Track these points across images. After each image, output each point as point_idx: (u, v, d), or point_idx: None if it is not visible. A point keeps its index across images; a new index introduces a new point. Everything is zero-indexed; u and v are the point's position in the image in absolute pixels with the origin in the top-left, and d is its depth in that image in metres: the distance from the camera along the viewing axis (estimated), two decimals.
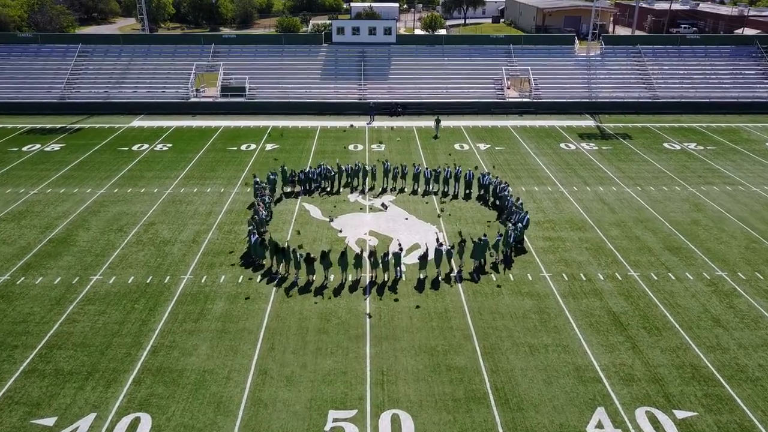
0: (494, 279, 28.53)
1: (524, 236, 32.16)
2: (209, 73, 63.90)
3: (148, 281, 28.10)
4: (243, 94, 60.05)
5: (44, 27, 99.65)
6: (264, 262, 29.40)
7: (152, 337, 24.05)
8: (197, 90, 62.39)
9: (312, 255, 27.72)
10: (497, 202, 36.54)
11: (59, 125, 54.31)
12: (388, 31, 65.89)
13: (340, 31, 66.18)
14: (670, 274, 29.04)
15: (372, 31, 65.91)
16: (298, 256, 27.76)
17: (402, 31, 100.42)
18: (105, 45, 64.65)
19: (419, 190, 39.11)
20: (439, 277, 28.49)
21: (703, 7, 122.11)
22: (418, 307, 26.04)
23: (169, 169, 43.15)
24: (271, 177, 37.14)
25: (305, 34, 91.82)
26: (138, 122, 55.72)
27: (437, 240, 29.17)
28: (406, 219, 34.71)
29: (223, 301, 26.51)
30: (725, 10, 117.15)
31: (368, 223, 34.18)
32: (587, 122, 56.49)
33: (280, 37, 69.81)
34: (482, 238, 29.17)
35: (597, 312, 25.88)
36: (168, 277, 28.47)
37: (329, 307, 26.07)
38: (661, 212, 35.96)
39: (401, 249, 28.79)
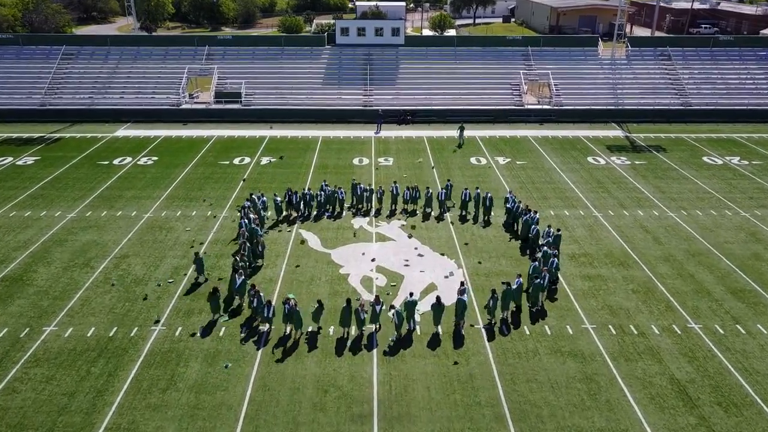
0: (527, 332, 23.67)
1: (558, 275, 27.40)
2: (202, 77, 59.19)
3: (111, 334, 23.35)
4: (238, 101, 55.34)
5: (39, 27, 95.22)
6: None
7: (107, 415, 19.30)
8: (191, 95, 57.71)
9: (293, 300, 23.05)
10: (518, 230, 31.81)
11: (37, 135, 49.70)
12: (396, 31, 61.04)
13: (345, 31, 61.36)
14: (738, 326, 24.13)
15: (378, 31, 61.07)
16: (258, 299, 23.35)
17: (409, 32, 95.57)
18: (91, 47, 60.02)
19: (433, 213, 34.29)
20: (462, 330, 23.65)
21: (724, 6, 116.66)
22: (450, 365, 21.21)
23: (151, 187, 38.42)
24: (276, 201, 32.86)
25: (307, 35, 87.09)
26: (123, 131, 51.04)
27: (461, 284, 24.25)
28: (416, 249, 29.91)
29: (199, 363, 21.74)
30: (748, 9, 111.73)
31: (375, 254, 29.35)
32: (614, 132, 51.51)
33: (280, 38, 65.09)
34: (508, 282, 24.41)
35: (657, 380, 20.99)
36: (135, 329, 23.72)
37: (328, 373, 21.26)
38: (713, 243, 31.03)
39: (412, 296, 23.90)
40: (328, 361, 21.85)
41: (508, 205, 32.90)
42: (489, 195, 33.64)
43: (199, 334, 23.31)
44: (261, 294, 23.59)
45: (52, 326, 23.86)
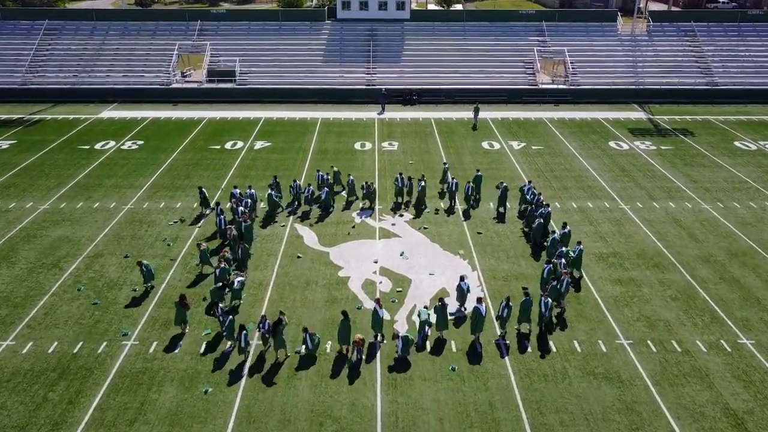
0: (554, 349, 20.54)
1: (583, 274, 24.30)
2: (194, 54, 55.52)
3: (75, 350, 20.30)
4: (232, 80, 51.74)
5: (30, 1, 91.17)
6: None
7: None
8: (182, 74, 54.13)
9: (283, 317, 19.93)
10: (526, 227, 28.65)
11: (16, 116, 46.32)
12: (400, 5, 57.02)
13: (346, 5, 57.37)
14: None
15: (382, 5, 57.04)
16: (223, 319, 20.10)
17: (414, 6, 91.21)
18: (75, 21, 56.20)
19: (442, 205, 31.05)
20: (479, 347, 20.56)
21: None
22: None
23: (134, 175, 35.14)
24: (274, 196, 29.63)
25: (306, 9, 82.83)
26: (108, 113, 47.62)
27: (479, 297, 21.02)
28: (425, 248, 26.72)
29: (174, 387, 18.70)
30: None
31: (378, 254, 26.19)
32: (636, 114, 47.88)
33: (277, 12, 61.09)
34: (527, 290, 21.30)
35: (709, 411, 17.88)
36: (104, 344, 20.66)
37: (324, 401, 18.20)
38: (756, 240, 27.76)
39: (420, 314, 20.77)
40: (324, 385, 18.78)
41: (528, 197, 29.53)
42: (479, 174, 31.56)
43: (176, 351, 20.26)
44: (231, 316, 20.23)
45: (8, 340, 20.81)
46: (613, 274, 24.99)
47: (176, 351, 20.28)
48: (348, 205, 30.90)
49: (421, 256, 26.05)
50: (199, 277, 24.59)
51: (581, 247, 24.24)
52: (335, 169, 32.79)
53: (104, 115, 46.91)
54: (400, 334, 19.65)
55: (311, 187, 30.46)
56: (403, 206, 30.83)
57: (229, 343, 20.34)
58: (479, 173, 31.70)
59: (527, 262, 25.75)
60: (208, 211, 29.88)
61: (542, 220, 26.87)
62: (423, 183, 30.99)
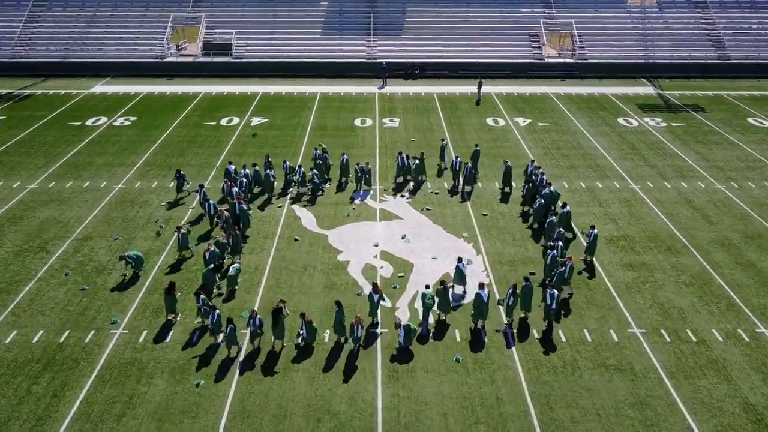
0: (563, 338, 19.59)
1: (594, 259, 23.31)
2: (189, 26, 53.77)
3: (61, 339, 19.37)
4: (228, 53, 50.14)
5: None
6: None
7: None
8: (177, 47, 52.48)
9: (282, 305, 18.88)
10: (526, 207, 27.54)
11: (5, 91, 44.94)
12: None
13: None
14: None
15: None
16: (205, 310, 19.19)
17: None
18: None
19: (446, 185, 29.90)
20: (483, 335, 19.63)
21: None
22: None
23: (126, 152, 33.93)
24: (269, 174, 28.16)
25: None
26: (101, 87, 46.18)
27: (481, 283, 20.02)
28: (428, 230, 25.64)
29: (164, 380, 17.79)
30: None
31: (379, 237, 25.12)
32: (645, 89, 46.38)
33: None
34: (527, 277, 20.34)
35: (727, 406, 16.97)
36: (92, 332, 19.72)
37: (321, 395, 17.30)
38: None
39: (427, 294, 19.80)
40: (321, 378, 17.87)
41: (532, 177, 28.30)
42: (477, 149, 30.64)
43: (167, 341, 19.32)
44: (217, 310, 19.04)
45: None
46: (624, 258, 23.93)
47: (167, 340, 19.35)
48: (341, 187, 29.51)
49: (424, 239, 24.99)
50: (179, 262, 23.46)
51: (596, 231, 23.10)
52: (323, 146, 31.12)
53: (96, 90, 45.48)
54: (402, 323, 18.68)
55: (302, 168, 28.96)
56: (405, 187, 29.66)
57: (217, 338, 19.15)
58: (477, 148, 30.55)
59: (534, 246, 24.69)
60: (184, 194, 28.42)
61: (543, 201, 25.64)
62: (417, 161, 29.73)
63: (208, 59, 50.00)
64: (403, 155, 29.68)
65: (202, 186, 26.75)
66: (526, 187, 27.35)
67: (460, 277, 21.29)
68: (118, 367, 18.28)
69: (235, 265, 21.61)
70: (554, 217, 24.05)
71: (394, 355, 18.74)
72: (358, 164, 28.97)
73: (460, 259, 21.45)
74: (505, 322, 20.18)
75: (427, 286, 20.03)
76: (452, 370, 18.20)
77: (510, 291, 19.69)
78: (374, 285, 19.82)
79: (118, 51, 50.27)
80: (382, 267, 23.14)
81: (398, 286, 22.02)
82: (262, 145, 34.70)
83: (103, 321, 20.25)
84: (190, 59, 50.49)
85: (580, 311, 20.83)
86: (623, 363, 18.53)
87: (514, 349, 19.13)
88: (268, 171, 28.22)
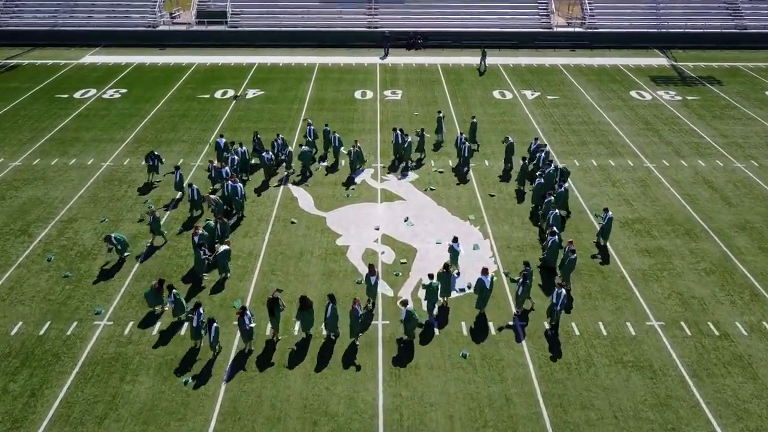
0: (576, 332, 18.35)
1: (608, 243, 21.95)
2: None
3: (41, 332, 18.15)
4: (224, 21, 48.06)
5: None
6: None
7: None
8: (170, 15, 50.37)
9: (277, 295, 17.51)
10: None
11: None
12: None
13: None
14: None
15: None
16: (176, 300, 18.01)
17: None
18: None
19: (451, 162, 28.40)
20: (490, 325, 18.39)
21: None
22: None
23: (115, 127, 32.36)
24: (265, 157, 26.35)
25: None
26: (91, 57, 44.31)
27: (485, 268, 18.68)
28: (432, 212, 24.23)
29: (150, 377, 16.61)
30: None
31: (380, 220, 23.73)
32: (658, 60, 44.46)
33: None
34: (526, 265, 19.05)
35: (754, 407, 15.80)
36: (74, 324, 18.50)
37: (318, 394, 16.12)
38: None
39: (432, 279, 18.45)
40: (318, 376, 16.68)
41: (537, 154, 26.65)
42: (474, 121, 29.15)
43: (154, 334, 18.10)
44: (201, 311, 17.34)
45: None
46: (640, 243, 22.58)
47: (154, 333, 18.13)
48: (332, 168, 27.90)
49: (428, 222, 23.61)
50: (183, 241, 22.17)
51: (610, 214, 21.69)
52: (309, 121, 29.38)
53: (86, 61, 43.63)
54: (409, 307, 17.36)
55: (289, 149, 27.17)
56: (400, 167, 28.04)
57: (197, 343, 17.75)
58: (474, 120, 29.02)
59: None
60: (159, 178, 26.61)
61: (543, 180, 24.09)
62: (417, 137, 28.16)
63: (202, 28, 48.05)
64: (398, 131, 27.96)
65: (177, 168, 25.14)
66: (522, 165, 25.67)
67: (454, 257, 20.05)
68: (101, 363, 17.09)
69: (224, 247, 20.19)
70: (551, 198, 22.63)
71: (396, 352, 17.52)
72: (352, 146, 27.16)
73: (455, 239, 20.18)
74: (515, 312, 18.93)
75: (431, 276, 18.65)
76: (458, 367, 17.00)
77: (520, 281, 18.42)
78: (371, 266, 18.62)
79: (108, 19, 48.28)
80: (383, 252, 21.81)
81: (400, 274, 20.73)
82: (258, 119, 33.09)
83: (87, 311, 19.01)
84: (183, 28, 48.56)
85: (595, 301, 19.57)
86: (641, 359, 17.32)
87: (524, 342, 17.91)
88: (264, 153, 26.49)
